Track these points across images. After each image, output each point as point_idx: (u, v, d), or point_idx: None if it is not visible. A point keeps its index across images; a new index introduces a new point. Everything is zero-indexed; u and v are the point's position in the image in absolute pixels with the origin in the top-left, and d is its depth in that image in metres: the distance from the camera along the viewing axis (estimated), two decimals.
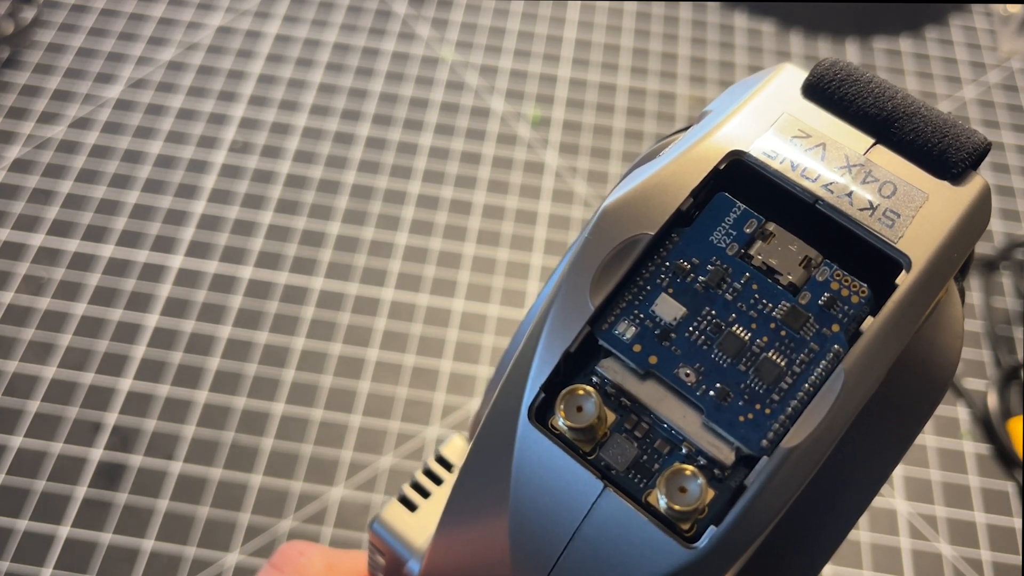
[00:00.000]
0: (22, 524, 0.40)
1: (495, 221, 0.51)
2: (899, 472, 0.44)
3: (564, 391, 0.15)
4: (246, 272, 0.48)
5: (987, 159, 0.56)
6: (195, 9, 0.59)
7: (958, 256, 0.16)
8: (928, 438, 0.45)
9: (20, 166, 0.52)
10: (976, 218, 0.16)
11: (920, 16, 0.63)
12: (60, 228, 0.49)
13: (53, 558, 0.39)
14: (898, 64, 0.60)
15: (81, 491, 0.41)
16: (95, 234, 0.49)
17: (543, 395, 0.16)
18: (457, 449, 0.23)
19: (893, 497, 0.43)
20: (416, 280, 0.49)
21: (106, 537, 0.40)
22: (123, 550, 0.40)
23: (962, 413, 0.46)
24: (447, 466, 0.23)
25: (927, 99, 0.59)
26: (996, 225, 0.53)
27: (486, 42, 0.59)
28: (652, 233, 0.16)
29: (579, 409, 0.15)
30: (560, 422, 0.15)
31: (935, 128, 0.16)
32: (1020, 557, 0.41)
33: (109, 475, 0.42)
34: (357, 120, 0.55)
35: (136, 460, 0.42)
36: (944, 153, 0.16)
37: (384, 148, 0.54)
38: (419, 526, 0.21)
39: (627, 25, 0.61)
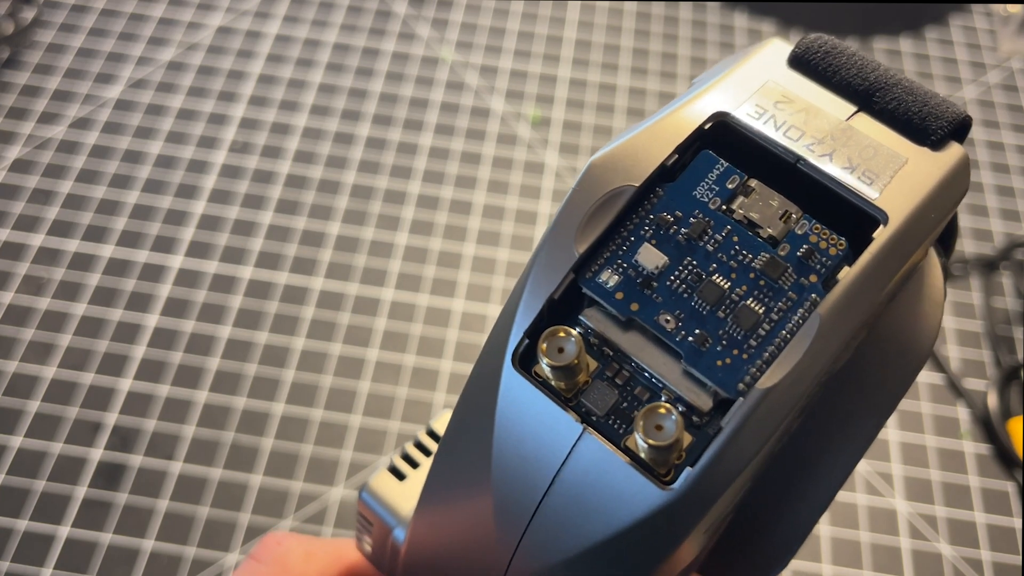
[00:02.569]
0: (22, 524, 0.40)
1: (495, 221, 0.51)
2: (899, 472, 0.44)
3: (546, 331, 0.16)
4: (246, 272, 0.48)
5: (988, 159, 0.56)
6: (195, 9, 0.59)
7: (936, 218, 0.16)
8: (928, 438, 0.45)
9: (20, 166, 0.52)
10: (954, 184, 0.16)
11: (920, 16, 0.63)
12: (60, 228, 0.49)
13: (53, 558, 0.39)
14: (898, 64, 0.60)
15: (81, 491, 0.41)
16: (95, 234, 0.49)
17: (527, 341, 0.16)
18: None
19: (893, 497, 0.43)
20: (416, 280, 0.49)
21: (106, 537, 0.40)
22: (123, 550, 0.40)
23: (962, 413, 0.46)
24: (437, 439, 0.23)
25: None
26: (996, 225, 0.53)
27: (486, 42, 0.59)
28: (636, 185, 0.16)
29: (560, 350, 0.15)
30: (543, 363, 0.15)
31: (916, 98, 0.17)
32: (1020, 557, 0.41)
33: (109, 475, 0.42)
34: (357, 120, 0.55)
35: (136, 460, 0.42)
36: (924, 121, 0.17)
37: (384, 148, 0.54)
38: (407, 495, 0.22)
39: (627, 25, 0.61)
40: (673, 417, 0.15)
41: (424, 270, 0.49)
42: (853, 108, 0.17)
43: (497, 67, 0.58)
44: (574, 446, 0.15)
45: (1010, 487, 0.44)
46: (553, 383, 0.16)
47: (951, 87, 0.59)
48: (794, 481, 0.18)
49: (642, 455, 0.15)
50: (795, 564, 0.41)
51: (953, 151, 0.17)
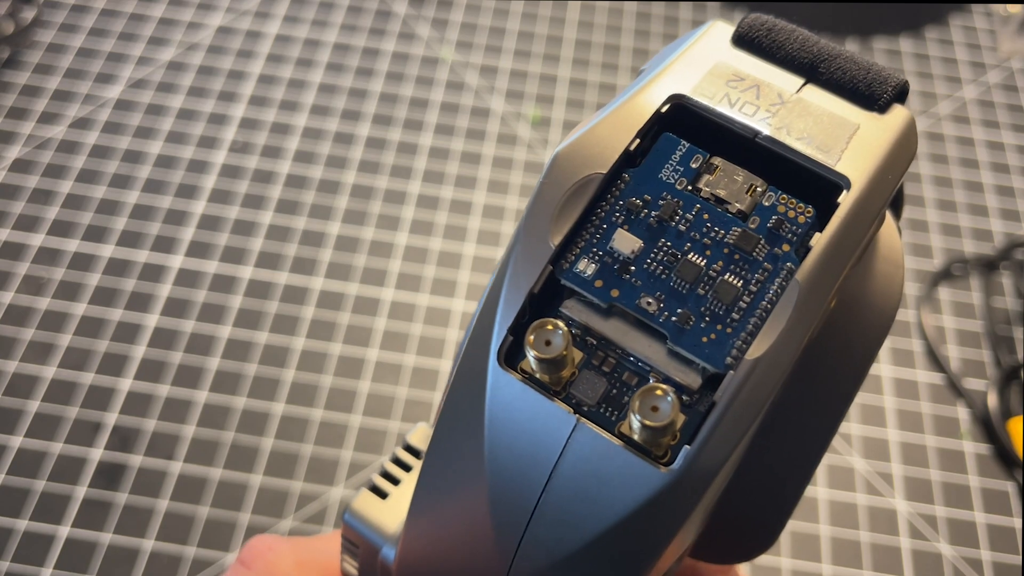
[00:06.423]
0: (22, 524, 0.40)
1: (495, 221, 0.51)
2: (899, 472, 0.44)
3: (533, 324, 0.16)
4: (246, 272, 0.48)
5: (988, 159, 0.56)
6: (195, 9, 0.59)
7: (892, 179, 0.17)
8: (928, 438, 0.45)
9: (20, 166, 0.52)
10: (905, 145, 0.17)
11: (920, 16, 0.63)
12: (60, 228, 0.49)
13: (53, 558, 0.39)
14: (898, 64, 0.60)
15: (81, 491, 0.41)
16: (95, 234, 0.49)
17: (511, 339, 0.16)
18: (424, 436, 0.23)
19: (893, 497, 0.43)
20: (416, 280, 0.49)
21: (106, 537, 0.40)
22: (123, 550, 0.40)
23: (962, 413, 0.46)
24: (415, 453, 0.23)
25: (927, 99, 0.59)
26: (996, 225, 0.53)
27: (486, 42, 0.59)
28: (604, 172, 0.16)
29: (548, 343, 0.15)
30: (530, 356, 0.15)
31: (859, 67, 0.18)
32: (1020, 557, 0.41)
33: (109, 475, 0.42)
34: (357, 120, 0.55)
35: (136, 460, 0.42)
36: (870, 87, 0.17)
37: (384, 148, 0.54)
38: (391, 512, 0.21)
39: (627, 25, 0.61)
40: (669, 398, 0.15)
41: (424, 270, 0.49)
42: (801, 80, 0.17)
43: (497, 67, 0.58)
44: (569, 438, 0.15)
45: (1010, 487, 0.44)
46: (539, 377, 0.16)
47: (951, 87, 0.59)
48: (776, 453, 0.18)
49: (636, 438, 0.15)
50: (795, 564, 0.41)
51: (899, 113, 0.17)
